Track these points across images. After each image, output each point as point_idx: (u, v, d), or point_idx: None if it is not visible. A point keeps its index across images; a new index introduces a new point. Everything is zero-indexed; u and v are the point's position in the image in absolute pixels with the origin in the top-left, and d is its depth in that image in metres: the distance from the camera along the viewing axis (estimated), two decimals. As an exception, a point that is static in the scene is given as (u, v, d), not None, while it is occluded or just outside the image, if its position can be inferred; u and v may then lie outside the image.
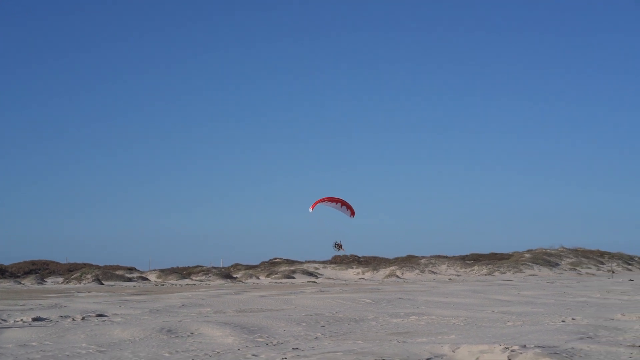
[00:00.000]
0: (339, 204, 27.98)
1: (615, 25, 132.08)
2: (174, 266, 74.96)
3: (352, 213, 27.99)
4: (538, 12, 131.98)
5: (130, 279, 63.84)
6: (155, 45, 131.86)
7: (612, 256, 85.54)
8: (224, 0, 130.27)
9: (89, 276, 60.83)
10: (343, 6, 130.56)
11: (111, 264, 73.14)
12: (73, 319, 21.46)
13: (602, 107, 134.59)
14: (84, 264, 73.20)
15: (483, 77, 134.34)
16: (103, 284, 57.58)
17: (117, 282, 60.64)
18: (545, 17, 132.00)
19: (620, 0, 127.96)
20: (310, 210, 27.56)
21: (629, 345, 14.04)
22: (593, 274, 73.68)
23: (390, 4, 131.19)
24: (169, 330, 17.71)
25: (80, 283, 58.53)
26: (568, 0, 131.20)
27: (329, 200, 27.91)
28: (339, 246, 28.09)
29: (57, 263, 75.85)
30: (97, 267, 70.39)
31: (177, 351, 14.79)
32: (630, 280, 56.56)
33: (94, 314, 22.89)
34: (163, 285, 57.70)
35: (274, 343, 16.07)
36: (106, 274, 63.82)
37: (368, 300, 29.21)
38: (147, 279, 65.45)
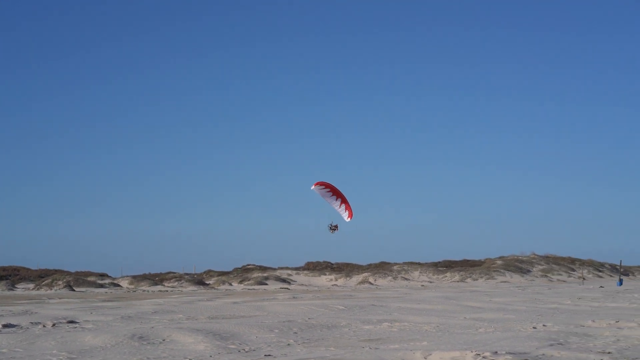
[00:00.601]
0: (339, 202, 26.54)
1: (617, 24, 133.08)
2: (146, 272, 74.66)
3: (350, 215, 26.80)
4: (538, 11, 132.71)
5: (102, 285, 63.43)
6: (151, 45, 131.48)
7: (583, 263, 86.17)
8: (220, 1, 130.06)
9: (60, 282, 60.39)
10: (342, 6, 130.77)
11: (83, 270, 72.65)
12: (44, 326, 21.29)
13: (574, 111, 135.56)
14: (55, 270, 72.58)
15: (451, 77, 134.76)
16: (74, 290, 57.17)
17: (88, 289, 60.22)
18: (546, 16, 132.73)
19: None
20: (312, 187, 26.31)
21: (599, 352, 14.16)
22: (564, 281, 74.20)
23: (389, 3, 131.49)
24: (140, 337, 17.63)
25: (51, 289, 58.11)
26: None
27: (332, 191, 26.49)
28: (334, 227, 27.21)
29: (28, 269, 75.14)
30: (69, 273, 69.89)
31: (148, 358, 14.74)
32: (601, 287, 57.00)
33: (65, 321, 22.72)
34: (135, 291, 57.38)
35: (246, 350, 16.05)
36: (77, 280, 63.38)
37: (341, 307, 29.23)
38: (119, 286, 65.06)
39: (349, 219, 26.48)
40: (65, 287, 58.77)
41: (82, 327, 20.98)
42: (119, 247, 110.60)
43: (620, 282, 62.64)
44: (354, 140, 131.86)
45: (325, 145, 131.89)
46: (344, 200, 26.34)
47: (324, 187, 26.00)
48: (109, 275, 72.54)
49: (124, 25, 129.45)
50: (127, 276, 71.16)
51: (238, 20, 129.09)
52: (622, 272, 77.55)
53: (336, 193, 26.22)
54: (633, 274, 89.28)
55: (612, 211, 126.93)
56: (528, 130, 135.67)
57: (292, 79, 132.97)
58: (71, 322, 22.59)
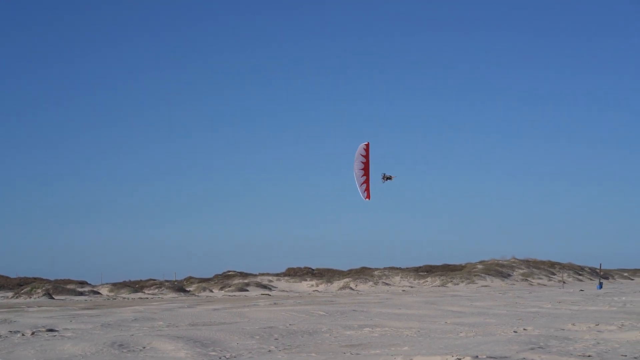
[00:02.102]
0: (364, 178, 25.58)
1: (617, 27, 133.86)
2: (126, 280, 74.30)
3: (368, 196, 25.96)
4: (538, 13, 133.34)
5: (81, 293, 63.05)
6: (152, 50, 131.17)
7: (563, 267, 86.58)
8: (222, 5, 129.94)
9: (39, 290, 59.97)
10: (344, 10, 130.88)
11: (62, 278, 72.14)
12: (23, 334, 21.13)
13: (553, 115, 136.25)
14: (34, 278, 72.00)
15: (431, 81, 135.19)
16: (54, 299, 56.79)
17: (68, 297, 59.84)
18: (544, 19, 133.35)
19: (619, 2, 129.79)
20: (363, 145, 25.50)
21: (579, 355, 14.21)
22: (544, 285, 74.51)
23: (391, 7, 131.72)
24: (120, 345, 17.53)
25: (30, 297, 57.69)
26: (568, 2, 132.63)
27: (365, 165, 25.42)
28: (387, 177, 26.29)
29: (7, 277, 74.50)
30: (48, 281, 69.38)
31: (128, 366, 14.66)
32: (581, 290, 57.29)
33: (44, 329, 22.56)
34: (115, 299, 57.11)
35: (227, 357, 16.00)
36: (57, 288, 62.96)
37: (322, 313, 29.20)
38: (98, 293, 64.71)
39: (367, 199, 25.84)
40: (44, 295, 58.36)
41: (61, 336, 20.83)
42: (99, 254, 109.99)
43: (600, 286, 62.96)
44: (332, 145, 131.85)
45: (305, 151, 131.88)
46: (367, 180, 25.68)
47: (364, 157, 25.26)
48: (89, 283, 72.12)
49: (121, 31, 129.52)
50: (107, 284, 70.78)
51: (240, 25, 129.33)
52: (602, 275, 78.00)
53: (366, 169, 25.49)
54: (613, 277, 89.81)
55: (592, 215, 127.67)
56: (508, 134, 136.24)
57: (261, 88, 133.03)
58: (50, 330, 22.44)
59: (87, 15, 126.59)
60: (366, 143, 24.72)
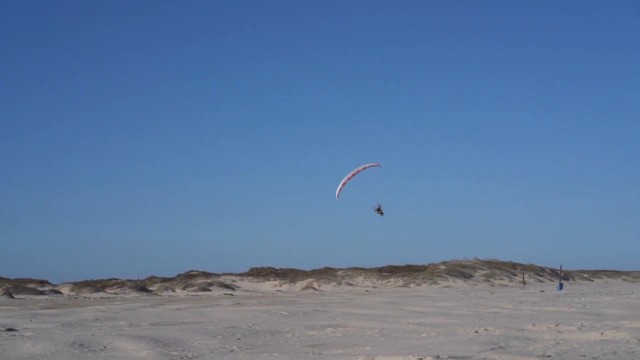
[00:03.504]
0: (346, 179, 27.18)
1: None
2: (88, 279, 73.69)
3: (337, 194, 27.36)
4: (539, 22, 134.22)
5: (42, 292, 62.40)
6: (165, 59, 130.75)
7: (524, 268, 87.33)
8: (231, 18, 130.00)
9: (-1, 289, 59.31)
10: (345, 21, 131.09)
11: (22, 277, 71.38)
12: (-19, 334, 20.88)
13: (513, 119, 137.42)
14: (-6, 277, 71.29)
15: (402, 88, 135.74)
16: (14, 298, 56.13)
17: (28, 296, 59.20)
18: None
19: (619, 4, 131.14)
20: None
21: (539, 355, 14.35)
22: (506, 285, 75.15)
23: (390, 17, 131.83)
24: (81, 345, 17.39)
25: (-11, 297, 57.01)
26: (567, 11, 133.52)
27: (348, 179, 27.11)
28: (379, 210, 27.18)
29: (-34, 276, 73.73)
30: (8, 280, 68.61)
31: (89, 366, 14.55)
32: (542, 291, 57.85)
33: (3, 329, 22.30)
34: (76, 298, 56.62)
35: (188, 356, 15.94)
36: (17, 287, 62.26)
37: (284, 313, 29.19)
38: (59, 292, 64.09)
39: (337, 197, 27.17)
40: (4, 294, 57.66)
41: (21, 335, 20.61)
42: (60, 253, 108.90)
43: (561, 287, 63.62)
44: (293, 145, 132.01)
45: (267, 150, 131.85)
46: (344, 183, 27.01)
47: (361, 169, 26.95)
48: (50, 282, 71.44)
49: (121, 43, 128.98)
50: (69, 283, 70.16)
51: (245, 36, 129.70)
52: (562, 276, 78.85)
53: (352, 176, 27.00)
54: (573, 279, 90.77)
55: (553, 217, 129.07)
56: (467, 138, 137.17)
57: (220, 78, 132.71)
58: (10, 330, 22.18)
59: (102, 27, 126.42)
60: (376, 164, 26.14)
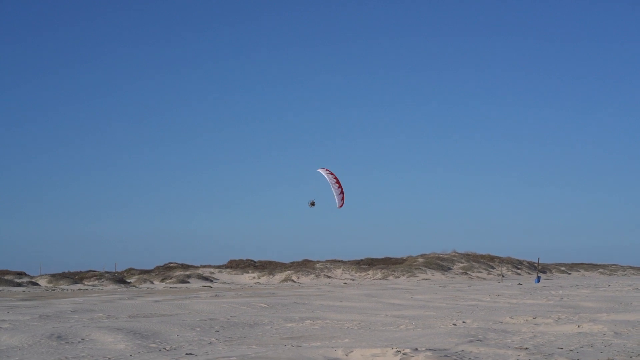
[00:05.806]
0: (340, 190, 28.38)
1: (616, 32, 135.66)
2: (66, 271, 73.23)
3: (341, 203, 28.46)
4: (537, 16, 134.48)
5: (19, 284, 62.03)
6: (159, 52, 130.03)
7: (502, 261, 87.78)
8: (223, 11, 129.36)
9: (-25, 281, 58.92)
10: (341, 12, 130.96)
11: (-1, 269, 71.00)
12: (-42, 326, 20.74)
13: (492, 110, 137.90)
14: (-29, 269, 70.80)
15: (383, 80, 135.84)
16: (-10, 289, 55.84)
17: (5, 287, 58.84)
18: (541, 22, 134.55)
19: (619, 6, 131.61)
20: (320, 170, 28.23)
21: (516, 348, 14.44)
22: (484, 278, 75.47)
23: (389, 9, 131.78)
24: (59, 337, 17.31)
25: (-34, 288, 56.62)
26: (567, 6, 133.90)
27: (335, 179, 28.35)
28: (312, 204, 28.58)
29: (-58, 268, 73.16)
30: (-16, 271, 68.23)
31: (67, 357, 14.48)
32: (519, 284, 58.18)
33: (-20, 320, 22.18)
34: (54, 290, 56.33)
35: (167, 348, 15.91)
36: (-6, 279, 61.91)
37: (263, 305, 29.19)
38: (37, 284, 63.74)
39: (340, 207, 28.49)
40: (-19, 286, 57.37)
41: (-2, 327, 20.49)
42: (38, 245, 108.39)
43: (538, 280, 64.04)
44: (276, 135, 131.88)
45: (245, 143, 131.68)
46: (342, 190, 28.28)
47: (330, 173, 27.95)
48: (27, 273, 70.98)
49: (131, 31, 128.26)
50: (46, 275, 69.73)
51: (239, 29, 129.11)
52: (539, 269, 79.28)
53: (338, 182, 28.18)
54: (550, 272, 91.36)
55: (531, 210, 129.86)
56: (447, 130, 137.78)
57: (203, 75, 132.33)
58: (-13, 321, 22.06)
59: (96, 20, 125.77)
60: (324, 169, 27.50)
